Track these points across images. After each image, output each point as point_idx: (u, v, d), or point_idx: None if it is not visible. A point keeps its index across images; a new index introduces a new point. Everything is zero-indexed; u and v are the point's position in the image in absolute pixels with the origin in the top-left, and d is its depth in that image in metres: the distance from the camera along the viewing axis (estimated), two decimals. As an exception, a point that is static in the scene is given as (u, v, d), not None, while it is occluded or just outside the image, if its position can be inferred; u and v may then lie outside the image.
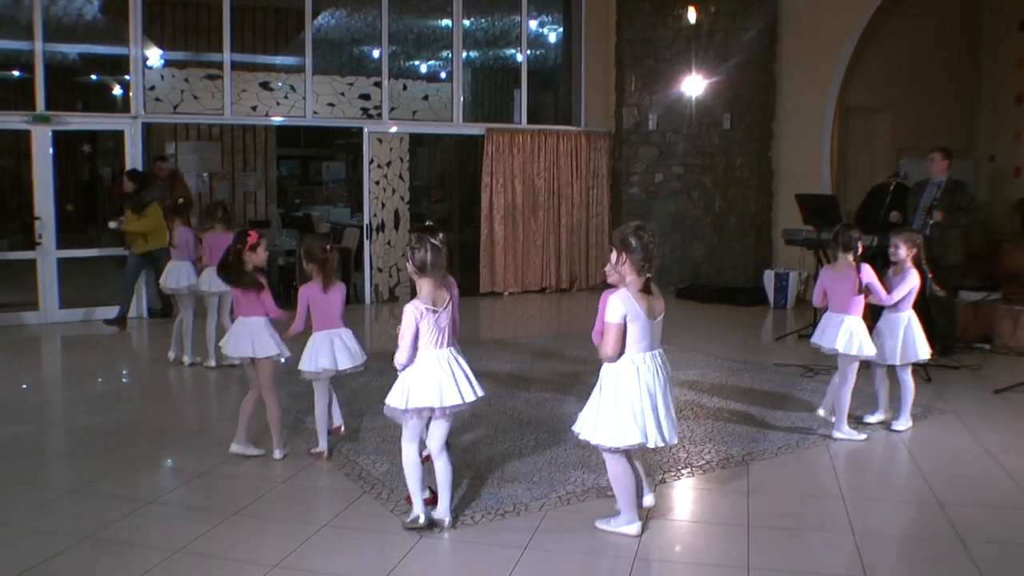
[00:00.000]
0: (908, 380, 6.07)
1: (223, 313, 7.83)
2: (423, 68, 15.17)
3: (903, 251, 6.09)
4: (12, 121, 10.16)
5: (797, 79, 11.78)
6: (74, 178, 16.78)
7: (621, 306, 4.07)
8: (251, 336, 5.34)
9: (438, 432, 4.37)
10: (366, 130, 11.71)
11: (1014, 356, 8.46)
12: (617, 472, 4.30)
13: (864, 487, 5.16)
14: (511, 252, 12.51)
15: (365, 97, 11.97)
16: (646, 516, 4.50)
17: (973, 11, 13.14)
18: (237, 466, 5.34)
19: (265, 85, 11.83)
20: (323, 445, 5.49)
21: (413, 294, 4.50)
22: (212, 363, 7.86)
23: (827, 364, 6.56)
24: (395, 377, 4.37)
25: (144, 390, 7.58)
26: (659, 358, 4.22)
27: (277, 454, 5.43)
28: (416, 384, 4.24)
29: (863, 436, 5.90)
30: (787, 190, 11.26)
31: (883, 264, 6.65)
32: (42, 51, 10.01)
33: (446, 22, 12.83)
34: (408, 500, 4.50)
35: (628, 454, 4.36)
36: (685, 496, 4.96)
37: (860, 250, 5.87)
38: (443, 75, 14.19)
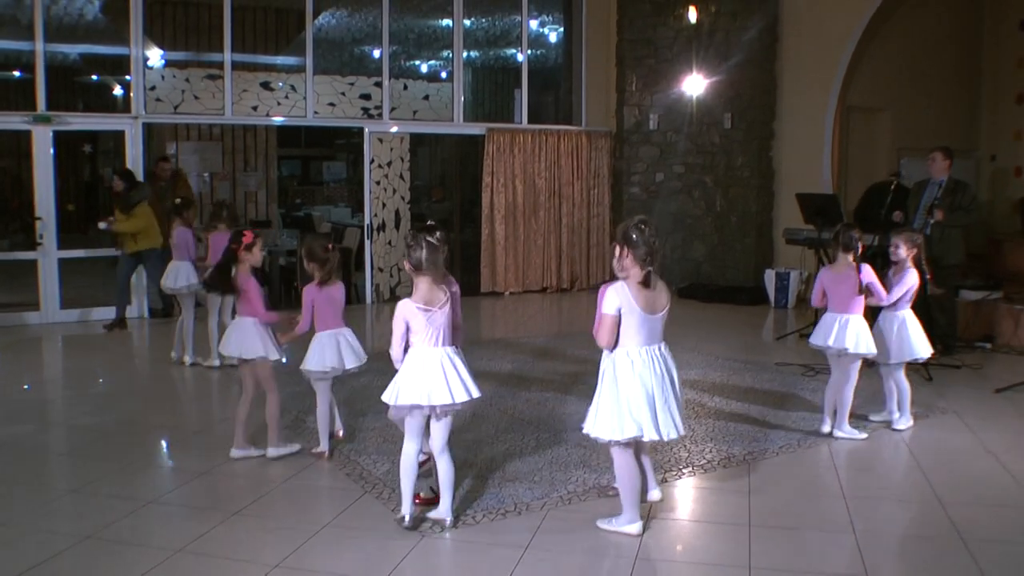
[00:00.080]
0: (902, 379, 6.07)
1: (224, 312, 7.82)
2: (424, 68, 15.17)
3: (903, 251, 6.10)
4: (13, 121, 10.16)
5: (798, 79, 11.77)
6: (75, 178, 16.80)
7: (616, 298, 4.13)
8: (241, 337, 5.36)
9: (438, 432, 4.37)
10: (367, 130, 11.71)
11: (1015, 355, 8.45)
12: (623, 468, 4.31)
13: (865, 486, 5.15)
14: (512, 252, 12.51)
15: (366, 97, 11.97)
16: (648, 515, 4.50)
17: (974, 11, 13.13)
18: (238, 466, 5.34)
19: (266, 85, 11.84)
20: (324, 445, 5.49)
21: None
22: (214, 363, 7.86)
23: (828, 364, 6.53)
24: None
25: (145, 390, 7.58)
26: (659, 353, 4.22)
27: (271, 452, 5.42)
28: (406, 382, 4.25)
29: (864, 435, 5.90)
30: (788, 189, 11.25)
31: (884, 264, 6.65)
32: (43, 51, 10.02)
33: (447, 22, 12.83)
34: (416, 500, 4.51)
35: (636, 451, 4.37)
36: (686, 495, 4.96)
37: (860, 250, 5.87)
38: (444, 75, 14.20)
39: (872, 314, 6.08)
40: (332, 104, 11.83)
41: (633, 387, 4.15)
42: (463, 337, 4.80)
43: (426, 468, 4.88)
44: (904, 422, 6.07)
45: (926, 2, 12.16)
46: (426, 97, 12.85)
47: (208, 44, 11.85)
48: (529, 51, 12.99)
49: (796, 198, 9.79)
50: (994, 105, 13.05)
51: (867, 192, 10.19)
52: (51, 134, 10.08)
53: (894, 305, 6.03)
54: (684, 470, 5.25)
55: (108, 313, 9.92)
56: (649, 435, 4.15)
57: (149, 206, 9.55)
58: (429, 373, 4.23)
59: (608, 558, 4.15)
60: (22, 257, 10.55)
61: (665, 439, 4.23)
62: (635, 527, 4.31)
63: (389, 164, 11.82)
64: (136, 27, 10.44)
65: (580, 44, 13.04)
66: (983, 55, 13.15)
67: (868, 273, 5.83)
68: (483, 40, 15.04)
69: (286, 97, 11.75)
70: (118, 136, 10.80)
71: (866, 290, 5.81)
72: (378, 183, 11.74)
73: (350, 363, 5.39)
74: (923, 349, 6.07)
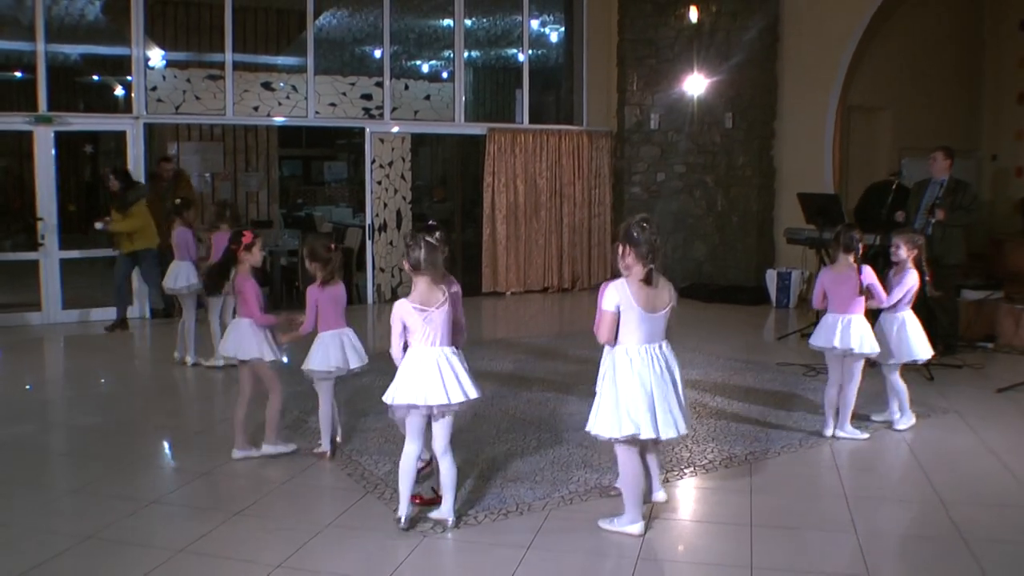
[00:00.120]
0: (898, 381, 6.06)
1: (226, 312, 7.82)
2: (425, 68, 15.17)
3: (903, 251, 6.10)
4: (14, 122, 10.16)
5: (799, 78, 11.77)
6: (76, 179, 16.79)
7: (615, 295, 4.16)
8: (238, 337, 5.36)
9: (439, 432, 4.37)
10: (368, 130, 11.71)
11: (1016, 355, 8.45)
12: (627, 467, 4.32)
13: (867, 486, 5.15)
14: (513, 252, 12.51)
15: (367, 97, 11.98)
16: (649, 515, 4.50)
17: (974, 11, 13.12)
18: (239, 466, 5.34)
19: (267, 85, 11.84)
20: (326, 445, 5.49)
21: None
22: (217, 363, 7.85)
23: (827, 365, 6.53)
24: (398, 377, 4.38)
25: (146, 390, 7.59)
26: (659, 351, 4.22)
27: (265, 448, 5.42)
28: (403, 382, 4.26)
29: (866, 436, 5.90)
30: (789, 189, 11.25)
31: (885, 264, 6.65)
32: (44, 52, 10.02)
33: (448, 22, 12.83)
34: (415, 500, 4.52)
35: (642, 450, 4.38)
36: (688, 495, 4.96)
37: (861, 251, 5.86)
38: (445, 75, 14.20)
39: (873, 314, 6.08)
40: (333, 104, 11.84)
41: (631, 385, 4.16)
42: (465, 337, 4.80)
43: (425, 473, 4.87)
44: (905, 421, 6.07)
45: (927, 2, 12.15)
46: (427, 97, 12.86)
47: (209, 44, 11.85)
48: (530, 51, 12.99)
49: (797, 198, 9.78)
50: (995, 105, 13.04)
51: (866, 191, 10.19)
52: (52, 135, 10.09)
53: (894, 306, 6.04)
54: (686, 470, 5.25)
55: (109, 314, 9.93)
56: (646, 434, 4.15)
57: (147, 205, 9.56)
58: (425, 373, 4.23)
59: (610, 558, 4.15)
60: (24, 258, 10.55)
61: (663, 438, 4.23)
62: (637, 527, 4.31)
63: (390, 164, 11.82)
64: (137, 27, 10.45)
65: (581, 44, 13.04)
66: (984, 55, 13.14)
67: (869, 274, 5.82)
68: (484, 40, 15.04)
69: (287, 97, 11.75)
70: (119, 136, 10.80)
71: (866, 291, 5.81)
72: (379, 183, 11.74)
73: (354, 363, 5.39)
74: (922, 351, 6.06)
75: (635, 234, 4.13)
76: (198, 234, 8.28)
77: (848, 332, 5.74)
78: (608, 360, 4.29)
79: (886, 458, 5.68)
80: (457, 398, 4.23)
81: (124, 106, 13.03)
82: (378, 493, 4.85)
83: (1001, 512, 4.69)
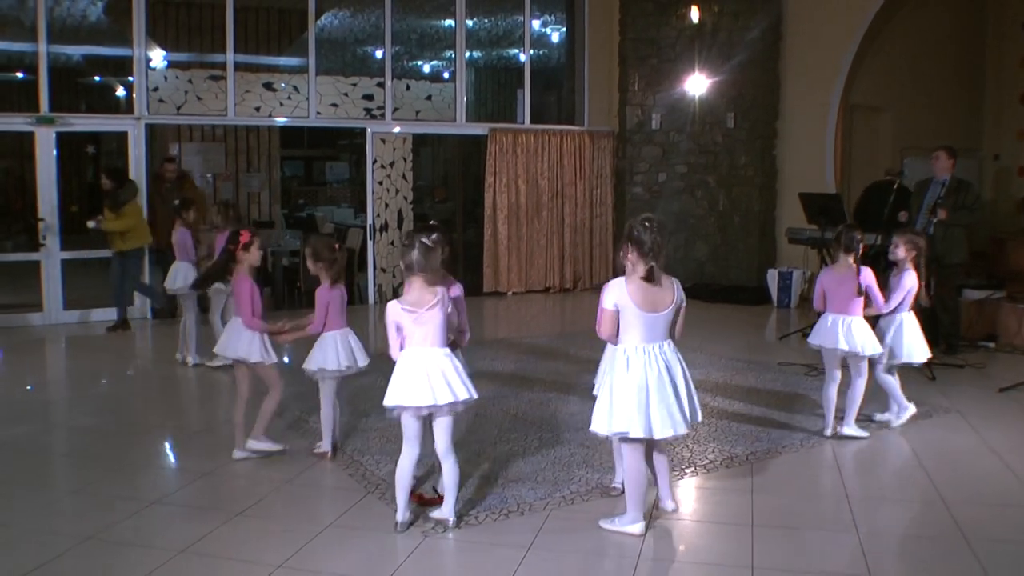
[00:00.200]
0: (886, 377, 6.05)
1: (228, 312, 7.82)
2: (426, 68, 15.18)
3: (902, 251, 6.11)
4: (16, 123, 10.17)
5: (801, 78, 11.76)
6: (78, 180, 16.80)
7: (614, 294, 4.18)
8: (229, 336, 5.36)
9: (439, 434, 4.35)
10: (369, 130, 11.71)
11: (1018, 355, 8.44)
12: (631, 466, 4.32)
13: (868, 486, 5.15)
14: (515, 252, 12.51)
15: (368, 97, 11.97)
16: (650, 515, 4.50)
17: (976, 11, 13.11)
18: (240, 467, 5.34)
19: (268, 86, 11.83)
20: (327, 445, 5.49)
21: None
22: (216, 363, 7.84)
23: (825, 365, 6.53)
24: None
25: (147, 391, 7.59)
26: (659, 350, 4.21)
27: (250, 443, 5.40)
28: (394, 384, 4.26)
29: (866, 434, 5.91)
30: (791, 189, 11.24)
31: (886, 265, 6.64)
32: (46, 52, 10.03)
33: (449, 22, 12.83)
34: (415, 499, 4.52)
35: (649, 451, 4.37)
36: (689, 495, 4.95)
37: (861, 251, 5.86)
38: (446, 75, 14.20)
39: (873, 316, 6.08)
40: (335, 105, 11.83)
41: (625, 383, 4.17)
42: (467, 338, 4.76)
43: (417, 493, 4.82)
44: (903, 415, 6.07)
45: (928, 2, 12.15)
46: (429, 97, 12.85)
47: (211, 45, 11.86)
48: (532, 51, 12.98)
49: (799, 198, 9.78)
50: (997, 105, 13.03)
51: (866, 191, 10.18)
52: (54, 135, 10.09)
53: (894, 308, 6.05)
54: (687, 470, 5.25)
55: (110, 314, 9.93)
56: (635, 432, 4.15)
57: (147, 205, 9.56)
58: (414, 375, 4.23)
59: (611, 558, 4.15)
60: (25, 258, 10.56)
61: (656, 438, 4.20)
62: (637, 527, 4.31)
63: (392, 164, 11.82)
64: (139, 28, 10.45)
65: (582, 44, 13.03)
66: (986, 54, 13.14)
67: (868, 276, 5.82)
68: (485, 40, 15.04)
69: (289, 98, 11.74)
70: (121, 137, 10.80)
71: (864, 293, 5.80)
72: (381, 183, 11.74)
73: (362, 361, 5.40)
74: (917, 354, 6.06)
75: (637, 232, 4.14)
76: (198, 235, 8.27)
77: (851, 335, 5.73)
78: (607, 358, 4.29)
79: (887, 458, 5.68)
80: (444, 400, 4.20)
81: (126, 107, 13.04)
82: (379, 493, 4.85)
83: (1003, 512, 4.68)
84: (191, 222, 8.17)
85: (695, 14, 12.06)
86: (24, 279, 10.62)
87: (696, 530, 4.52)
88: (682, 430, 4.23)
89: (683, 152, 12.46)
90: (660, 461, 4.53)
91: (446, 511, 4.42)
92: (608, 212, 13.04)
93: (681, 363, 4.30)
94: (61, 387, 7.84)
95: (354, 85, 11.99)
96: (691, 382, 4.34)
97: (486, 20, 13.89)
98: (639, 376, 4.15)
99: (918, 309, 6.18)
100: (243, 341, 5.30)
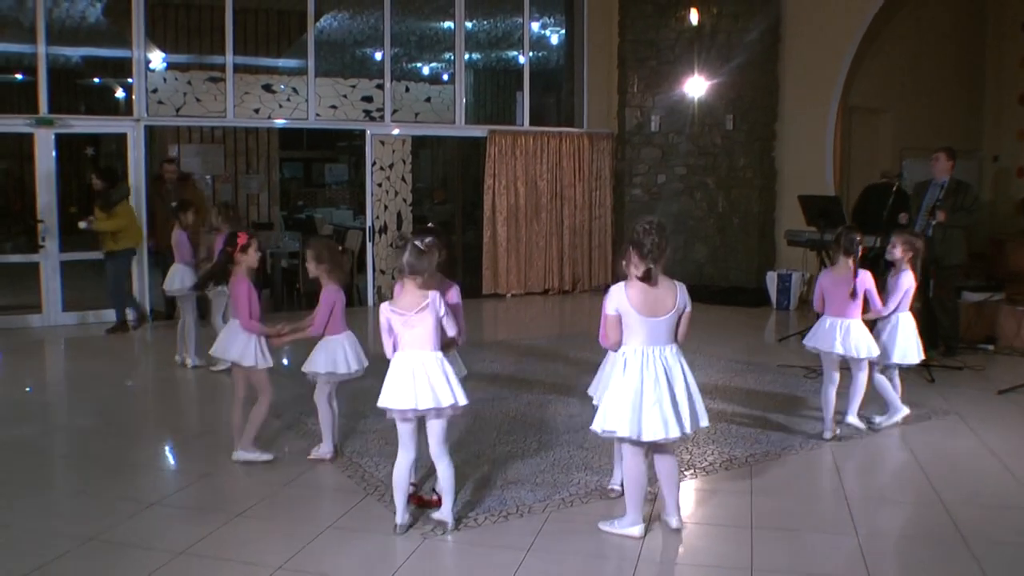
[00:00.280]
0: (863, 379, 6.03)
1: (228, 315, 7.81)
2: (425, 70, 15.18)
3: (899, 251, 6.12)
4: (15, 124, 10.16)
5: (800, 80, 11.77)
6: (77, 181, 16.79)
7: (615, 299, 4.20)
8: (229, 340, 5.33)
9: (430, 436, 4.35)
10: (368, 132, 11.72)
11: (1017, 357, 8.44)
12: (631, 468, 4.32)
13: (867, 488, 5.15)
14: (514, 254, 12.51)
15: (367, 99, 11.98)
16: (650, 517, 4.50)
17: (976, 11, 13.13)
18: (240, 468, 5.34)
19: (268, 87, 11.84)
20: (328, 447, 5.48)
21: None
22: (220, 367, 7.80)
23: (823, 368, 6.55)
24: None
25: (147, 392, 7.60)
26: (660, 353, 4.20)
27: (239, 455, 5.35)
28: (385, 385, 4.27)
29: (865, 428, 6.00)
30: (790, 191, 11.26)
31: (885, 266, 6.65)
32: (45, 54, 10.03)
33: (448, 24, 12.84)
34: (415, 501, 4.52)
35: (653, 458, 4.37)
36: (688, 497, 4.95)
37: (860, 253, 5.87)
38: (445, 77, 14.21)
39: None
40: (334, 106, 11.83)
41: (621, 384, 4.18)
42: (461, 341, 4.63)
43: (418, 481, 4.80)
44: (893, 416, 6.08)
45: (928, 3, 12.16)
46: (428, 99, 12.86)
47: (210, 47, 11.86)
48: (531, 53, 12.99)
49: (798, 200, 9.78)
50: (996, 105, 13.05)
51: (864, 192, 10.18)
52: (53, 137, 10.09)
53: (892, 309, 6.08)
54: (686, 472, 5.25)
55: (109, 316, 9.92)
56: (623, 432, 4.15)
57: (147, 206, 9.56)
58: (400, 378, 4.23)
59: (610, 560, 4.15)
60: (24, 260, 10.55)
61: (644, 440, 4.17)
62: (637, 529, 4.31)
63: (391, 166, 11.82)
64: (138, 30, 10.45)
65: (582, 46, 13.04)
66: (986, 55, 13.16)
67: (866, 280, 5.84)
68: (485, 42, 15.05)
69: (288, 99, 11.75)
70: (120, 139, 10.79)
71: (863, 298, 5.82)
72: (380, 185, 11.75)
73: (364, 363, 5.39)
74: (910, 355, 6.07)
75: (637, 235, 4.16)
76: (198, 237, 8.27)
77: (848, 338, 5.76)
78: (607, 365, 4.32)
79: (886, 460, 5.69)
80: (425, 404, 4.19)
81: (125, 108, 13.05)
82: (378, 495, 4.85)
83: (1002, 513, 4.69)
84: (188, 224, 8.16)
85: (694, 16, 12.07)
86: (23, 281, 10.61)
87: (695, 532, 4.51)
88: (674, 434, 4.15)
89: (682, 154, 12.47)
90: (666, 470, 4.40)
91: (444, 513, 4.42)
92: (607, 214, 13.04)
93: (683, 367, 4.28)
94: (60, 389, 7.84)
95: (353, 87, 12.00)
96: (694, 387, 4.30)
97: (485, 22, 13.90)
98: (635, 378, 4.16)
99: (915, 310, 6.20)
100: (239, 344, 5.27)
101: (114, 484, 5.08)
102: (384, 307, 4.29)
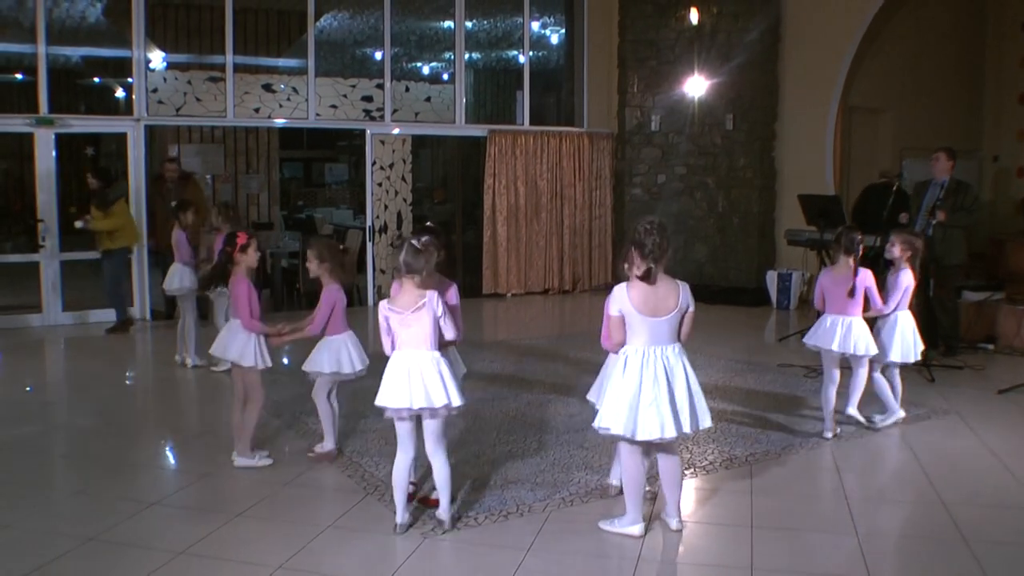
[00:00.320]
0: (863, 375, 6.05)
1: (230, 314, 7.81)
2: (425, 70, 15.17)
3: (897, 250, 6.13)
4: (15, 124, 10.17)
5: (800, 80, 11.77)
6: (77, 181, 16.78)
7: (617, 300, 4.21)
8: (227, 339, 5.32)
9: (426, 434, 4.35)
10: (368, 132, 11.72)
11: (1018, 356, 8.44)
12: (629, 467, 4.32)
13: (867, 487, 5.15)
14: (514, 253, 12.51)
15: (368, 99, 11.97)
16: (650, 516, 4.50)
17: (976, 11, 13.13)
18: (240, 468, 5.33)
19: (268, 87, 11.84)
20: (331, 443, 5.48)
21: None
22: (222, 368, 7.79)
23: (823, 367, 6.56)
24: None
25: (147, 392, 7.60)
26: (662, 353, 4.20)
27: (238, 461, 5.31)
28: (382, 384, 4.27)
29: (864, 420, 6.06)
30: (790, 190, 11.25)
31: (885, 266, 6.66)
32: (45, 54, 10.03)
33: (448, 24, 12.83)
34: (419, 501, 4.52)
35: (653, 458, 4.37)
36: (688, 497, 4.95)
37: (860, 253, 5.88)
38: (445, 77, 14.20)
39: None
40: (334, 106, 11.83)
41: (619, 384, 4.19)
42: (457, 339, 4.54)
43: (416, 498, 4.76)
44: (889, 419, 6.09)
45: (928, 2, 12.16)
46: (428, 99, 12.85)
47: (210, 46, 11.86)
48: (531, 53, 12.99)
49: (798, 200, 9.78)
50: (996, 105, 13.05)
51: (864, 192, 10.18)
52: (53, 136, 10.09)
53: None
54: (686, 471, 5.24)
55: (109, 315, 9.92)
56: (616, 430, 4.16)
57: (126, 204, 9.57)
58: (395, 377, 4.24)
59: (610, 560, 4.15)
60: (24, 260, 10.55)
61: (638, 439, 4.16)
62: (637, 528, 4.31)
63: (391, 166, 11.82)
64: (138, 29, 10.45)
65: (582, 45, 13.04)
66: (986, 55, 13.15)
67: (867, 278, 5.85)
68: (485, 42, 15.05)
69: (288, 99, 11.75)
70: (120, 138, 10.80)
71: (864, 296, 5.83)
72: (380, 185, 11.75)
73: (366, 361, 5.39)
74: (905, 354, 6.07)
75: (638, 235, 4.16)
76: (198, 236, 8.26)
77: (848, 336, 5.77)
78: (608, 367, 4.36)
79: (886, 459, 5.69)
80: (418, 404, 4.19)
81: (125, 108, 13.04)
82: (378, 495, 4.85)
83: (1002, 513, 4.69)
84: (188, 224, 8.16)
85: (694, 16, 12.06)
86: (23, 280, 10.62)
87: (695, 531, 4.51)
88: (670, 434, 4.13)
89: (682, 154, 12.47)
90: (668, 471, 4.38)
91: (441, 511, 4.41)
92: (607, 214, 13.04)
93: (685, 367, 4.27)
94: (60, 389, 7.84)
95: (353, 87, 12.00)
96: (695, 387, 4.28)
97: (485, 22, 13.90)
98: (634, 377, 4.16)
99: (915, 309, 6.21)
100: (238, 344, 5.26)
101: (114, 484, 5.08)
102: (382, 305, 4.31)
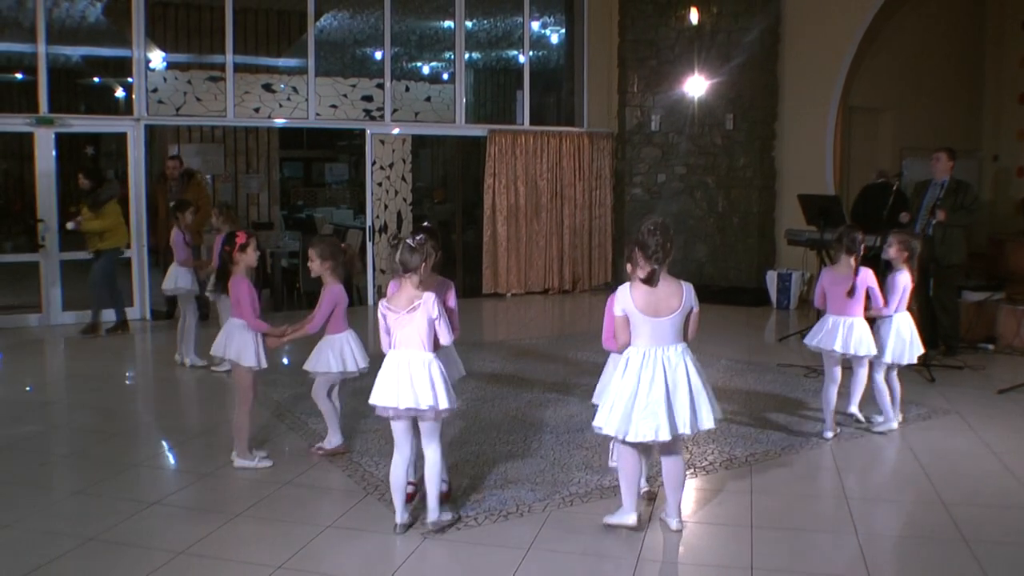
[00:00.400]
0: (863, 375, 6.07)
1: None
2: (425, 70, 15.17)
3: (894, 251, 6.14)
4: (15, 123, 10.17)
5: (800, 79, 11.77)
6: (77, 181, 16.80)
7: (621, 300, 4.22)
8: (226, 338, 5.32)
9: (421, 430, 4.36)
10: (368, 132, 11.71)
11: (1018, 356, 8.44)
12: (624, 461, 4.34)
13: (867, 487, 5.16)
14: (514, 253, 12.51)
15: (368, 99, 11.98)
16: (650, 516, 4.50)
17: (976, 11, 13.13)
18: (240, 468, 5.33)
19: (268, 87, 11.84)
20: (338, 439, 5.48)
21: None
22: (223, 368, 7.78)
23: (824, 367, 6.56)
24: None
25: (147, 392, 7.59)
26: (664, 353, 4.20)
27: (237, 463, 5.30)
28: (376, 383, 4.28)
29: (864, 419, 6.10)
30: (790, 190, 11.25)
31: (885, 266, 6.66)
32: (45, 53, 10.03)
33: (448, 23, 12.83)
34: (411, 498, 4.52)
35: (654, 457, 4.39)
36: (688, 497, 4.94)
37: (862, 253, 5.88)
38: (445, 76, 14.20)
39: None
40: (334, 106, 11.83)
41: (617, 384, 4.20)
42: (453, 339, 4.48)
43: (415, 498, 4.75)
44: (885, 424, 6.08)
45: (928, 2, 12.16)
46: (428, 99, 12.85)
47: (210, 46, 11.86)
48: (531, 52, 12.99)
49: (798, 199, 9.78)
50: (996, 105, 13.05)
51: (863, 192, 10.18)
52: (53, 136, 10.09)
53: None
54: (686, 471, 5.24)
55: (108, 315, 9.91)
56: (608, 430, 4.18)
57: (117, 204, 9.57)
58: (387, 376, 4.25)
59: (610, 559, 4.15)
60: (24, 259, 10.55)
61: (631, 440, 4.17)
62: (631, 518, 4.32)
63: (391, 166, 11.82)
64: (138, 29, 10.45)
65: (582, 45, 13.04)
66: (986, 55, 13.15)
67: (868, 277, 5.85)
68: (485, 42, 15.05)
69: (288, 99, 11.75)
70: (120, 138, 10.80)
71: (866, 296, 5.83)
72: (380, 185, 11.75)
73: (368, 359, 5.39)
74: (906, 355, 6.06)
75: (642, 236, 4.17)
76: (199, 237, 8.26)
77: (849, 336, 5.77)
78: (609, 368, 4.39)
79: (886, 459, 5.69)
80: (405, 404, 4.18)
81: (125, 108, 13.04)
82: (378, 495, 4.85)
83: (1002, 513, 4.69)
84: (187, 224, 8.16)
85: (694, 16, 12.07)
86: (23, 280, 10.61)
87: (696, 531, 4.51)
88: (664, 436, 4.10)
89: (682, 153, 12.47)
90: (671, 471, 4.37)
91: (429, 510, 4.37)
92: (607, 213, 13.04)
93: (688, 368, 4.25)
94: (60, 388, 7.84)
95: (353, 86, 12.00)
96: (698, 388, 4.25)
97: (485, 21, 13.90)
98: (632, 378, 4.17)
99: (913, 310, 6.22)
100: (237, 343, 5.26)
101: (114, 484, 5.08)
102: (381, 304, 4.34)
